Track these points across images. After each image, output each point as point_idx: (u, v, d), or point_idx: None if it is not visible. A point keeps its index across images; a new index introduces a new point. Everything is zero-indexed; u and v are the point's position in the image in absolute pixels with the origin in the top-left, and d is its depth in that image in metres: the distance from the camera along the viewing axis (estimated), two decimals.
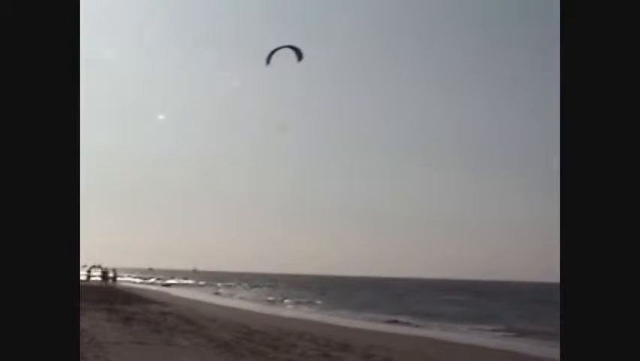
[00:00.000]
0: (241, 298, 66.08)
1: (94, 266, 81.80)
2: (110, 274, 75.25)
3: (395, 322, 37.09)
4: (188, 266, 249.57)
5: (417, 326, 35.21)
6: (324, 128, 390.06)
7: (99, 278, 73.97)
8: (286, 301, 61.97)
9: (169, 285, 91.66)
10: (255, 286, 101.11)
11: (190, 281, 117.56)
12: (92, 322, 19.90)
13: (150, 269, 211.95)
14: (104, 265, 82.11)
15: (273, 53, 10.76)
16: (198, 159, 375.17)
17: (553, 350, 24.37)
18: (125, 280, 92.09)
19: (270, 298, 67.61)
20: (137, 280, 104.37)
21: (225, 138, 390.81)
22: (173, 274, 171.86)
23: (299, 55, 10.91)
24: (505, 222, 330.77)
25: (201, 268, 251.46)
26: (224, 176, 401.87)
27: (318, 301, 60.72)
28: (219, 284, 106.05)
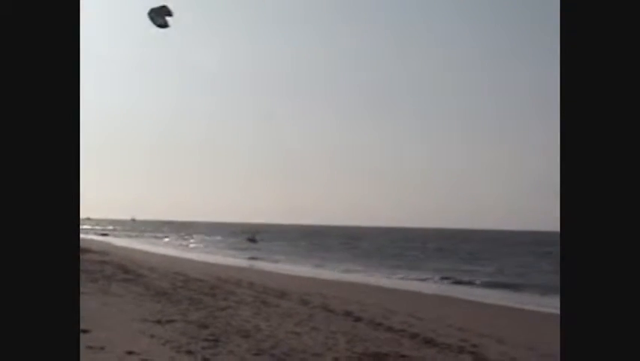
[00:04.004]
0: (180, 246, 65.98)
1: None
2: None
3: (333, 268, 37.83)
4: (127, 216, 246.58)
5: (355, 272, 35.93)
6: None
7: None
8: (222, 247, 62.42)
9: (106, 234, 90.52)
10: (193, 235, 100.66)
11: (129, 230, 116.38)
12: None
13: (88, 218, 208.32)
14: None
15: (161, 12, 10.32)
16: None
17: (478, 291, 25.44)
18: None
19: (206, 245, 67.91)
20: None
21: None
22: (110, 223, 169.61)
23: (167, 12, 10.62)
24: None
25: (140, 217, 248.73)
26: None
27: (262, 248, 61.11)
28: (159, 234, 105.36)
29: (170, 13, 10.08)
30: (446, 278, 33.09)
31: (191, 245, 70.84)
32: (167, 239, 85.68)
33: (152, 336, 10.05)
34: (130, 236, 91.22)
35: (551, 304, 21.44)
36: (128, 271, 23.42)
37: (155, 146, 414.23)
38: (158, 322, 11.57)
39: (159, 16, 9.95)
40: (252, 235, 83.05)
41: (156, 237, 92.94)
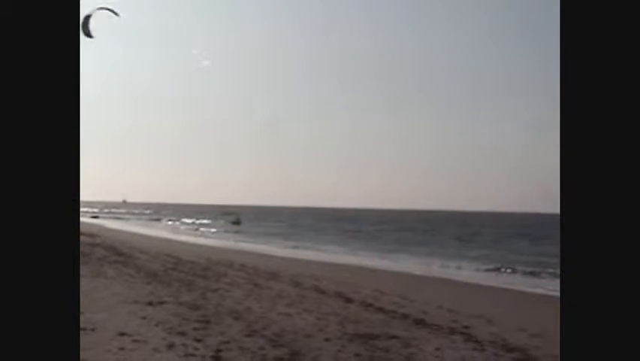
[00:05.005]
0: (170, 228, 66.00)
1: None
2: None
3: (323, 250, 37.94)
4: (118, 198, 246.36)
5: (346, 254, 36.05)
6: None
7: None
8: (211, 229, 62.68)
9: (97, 216, 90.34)
10: (183, 217, 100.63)
11: (121, 212, 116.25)
12: None
13: None
14: None
15: (86, 22, 10.39)
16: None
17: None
18: None
19: (198, 227, 68.13)
20: None
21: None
22: (101, 205, 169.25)
23: (114, 12, 10.74)
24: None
25: (131, 199, 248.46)
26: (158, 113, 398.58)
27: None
28: (150, 216, 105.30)
29: (116, 13, 10.15)
30: (437, 259, 33.26)
31: (182, 227, 70.89)
32: (158, 221, 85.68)
33: (143, 318, 10.08)
34: (121, 218, 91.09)
35: (540, 285, 21.62)
36: (119, 253, 23.42)
37: (147, 128, 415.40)
38: (150, 303, 11.60)
39: (85, 27, 10.06)
40: (235, 218, 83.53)
41: (147, 219, 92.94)
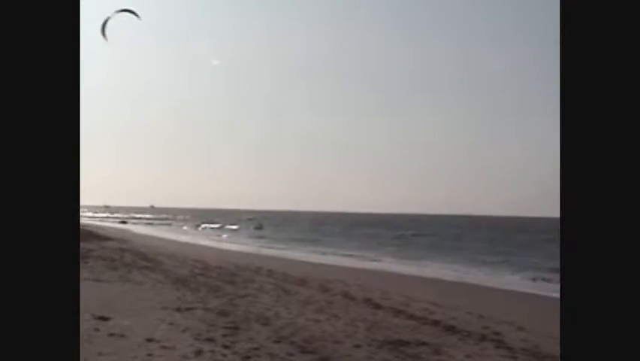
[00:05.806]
0: (197, 234, 66.35)
1: None
2: None
3: (350, 256, 37.80)
4: (145, 203, 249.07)
5: (372, 260, 35.87)
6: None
7: None
8: (235, 235, 63.04)
9: (125, 222, 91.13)
10: (209, 223, 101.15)
11: (149, 218, 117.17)
12: None
13: (106, 206, 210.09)
14: None
15: (105, 25, 10.59)
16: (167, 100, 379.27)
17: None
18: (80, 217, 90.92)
19: (222, 232, 68.54)
20: (90, 215, 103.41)
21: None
22: (129, 210, 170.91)
23: (134, 14, 10.90)
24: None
25: (158, 205, 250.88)
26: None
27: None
28: (178, 222, 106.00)
29: (137, 15, 10.30)
30: (467, 265, 32.98)
31: (207, 232, 71.28)
32: (184, 226, 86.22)
33: (171, 323, 10.06)
34: (148, 223, 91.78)
35: None
36: (147, 259, 23.54)
37: (171, 135, 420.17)
38: (178, 309, 11.59)
39: (103, 29, 10.31)
40: (258, 223, 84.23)
41: (173, 224, 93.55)
